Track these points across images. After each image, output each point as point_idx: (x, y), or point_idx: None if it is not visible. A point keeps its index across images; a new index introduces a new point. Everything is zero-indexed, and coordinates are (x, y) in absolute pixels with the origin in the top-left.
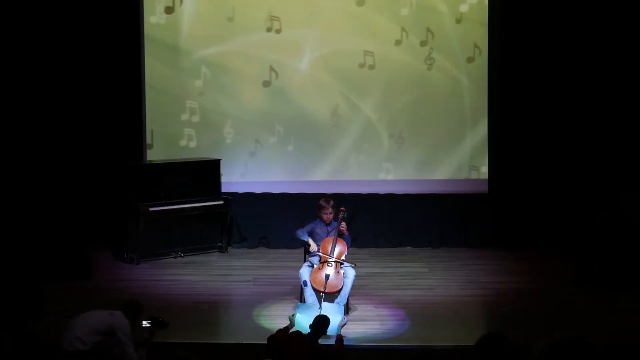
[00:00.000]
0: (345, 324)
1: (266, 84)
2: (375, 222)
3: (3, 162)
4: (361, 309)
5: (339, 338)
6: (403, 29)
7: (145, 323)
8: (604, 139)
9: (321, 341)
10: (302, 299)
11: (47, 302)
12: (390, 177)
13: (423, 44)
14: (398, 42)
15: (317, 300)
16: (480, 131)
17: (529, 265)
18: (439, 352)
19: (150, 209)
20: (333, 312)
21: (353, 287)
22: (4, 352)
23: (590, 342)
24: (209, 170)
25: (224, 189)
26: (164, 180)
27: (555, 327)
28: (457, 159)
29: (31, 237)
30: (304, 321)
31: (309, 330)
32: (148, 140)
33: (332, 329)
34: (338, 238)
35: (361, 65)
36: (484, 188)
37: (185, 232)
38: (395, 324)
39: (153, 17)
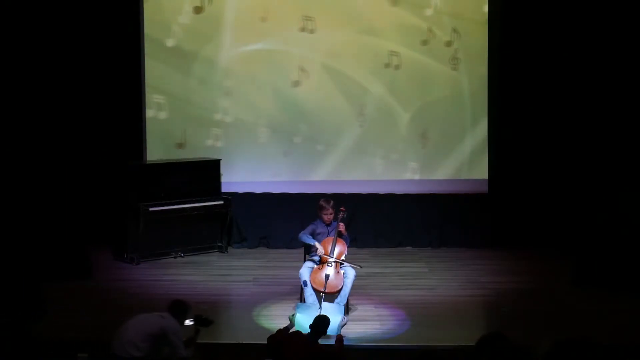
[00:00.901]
0: (345, 324)
1: (296, 83)
2: (375, 222)
3: (3, 162)
4: (361, 309)
5: (339, 338)
6: (429, 30)
7: (187, 322)
8: (603, 139)
9: (321, 341)
10: (302, 299)
11: (47, 302)
12: (417, 176)
13: (448, 44)
14: (425, 42)
15: (317, 300)
16: (480, 131)
17: (529, 265)
18: (439, 352)
19: (150, 209)
20: (333, 312)
21: (353, 287)
22: (4, 352)
23: (596, 343)
24: (209, 170)
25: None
26: (164, 180)
27: (555, 327)
28: (457, 159)
29: (31, 237)
30: (304, 321)
31: (309, 330)
32: (180, 140)
33: (332, 329)
34: (338, 238)
35: (387, 65)
36: (484, 188)
37: (185, 232)
38: (395, 324)
39: (180, 16)
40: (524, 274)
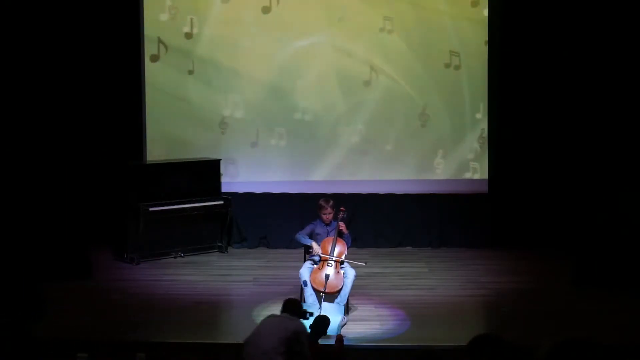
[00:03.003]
0: (345, 324)
1: (366, 83)
2: (375, 222)
3: (4, 162)
4: (361, 309)
5: (339, 338)
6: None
7: None
8: (604, 139)
9: (321, 341)
10: (302, 299)
11: (47, 302)
12: (476, 176)
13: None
14: (487, 43)
15: (317, 300)
16: (480, 131)
17: (529, 265)
18: (439, 352)
19: (150, 209)
20: (333, 312)
21: (353, 287)
22: (3, 352)
23: (596, 343)
24: (209, 170)
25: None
26: (164, 180)
27: (555, 327)
28: (457, 159)
29: (31, 237)
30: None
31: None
32: (253, 139)
33: (332, 329)
34: (338, 238)
35: (447, 65)
36: (484, 188)
37: (185, 232)
38: (395, 324)
39: (248, 16)
40: (524, 274)
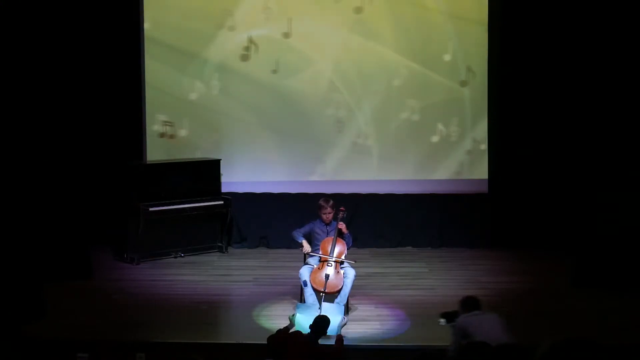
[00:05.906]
0: (345, 324)
1: (463, 83)
2: (375, 222)
3: (3, 162)
4: (361, 309)
5: (339, 338)
6: None
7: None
8: (604, 139)
9: (321, 341)
10: (302, 299)
11: (47, 302)
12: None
13: None
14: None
15: (317, 300)
16: (480, 131)
17: (529, 265)
18: (439, 352)
19: (150, 209)
20: (333, 312)
21: (353, 287)
22: (3, 352)
23: (595, 343)
24: (209, 170)
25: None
26: (164, 180)
27: (555, 327)
28: (457, 159)
29: (31, 237)
30: (304, 321)
31: (309, 330)
32: (359, 139)
33: (332, 329)
34: (338, 238)
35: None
36: (484, 188)
37: (185, 232)
38: (395, 324)
39: (341, 17)
40: (524, 274)
